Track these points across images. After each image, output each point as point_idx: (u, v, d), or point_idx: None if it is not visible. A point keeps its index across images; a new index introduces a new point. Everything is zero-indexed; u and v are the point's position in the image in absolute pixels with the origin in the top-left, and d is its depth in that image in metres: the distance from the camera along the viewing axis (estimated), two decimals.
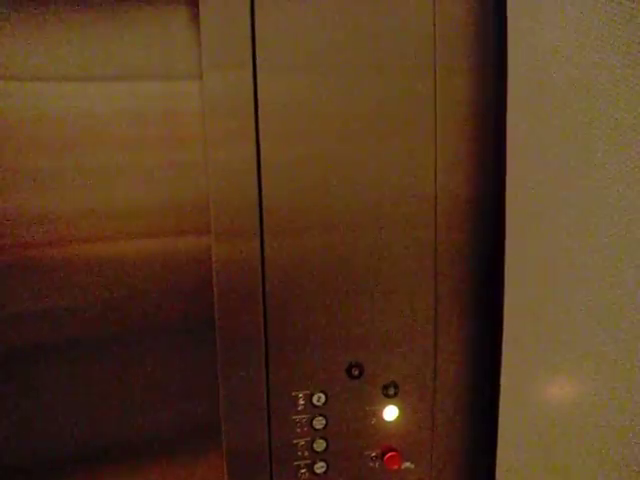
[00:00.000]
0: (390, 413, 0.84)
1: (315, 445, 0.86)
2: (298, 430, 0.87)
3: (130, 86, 1.08)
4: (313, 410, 0.86)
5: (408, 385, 0.93)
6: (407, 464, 0.89)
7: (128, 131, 1.04)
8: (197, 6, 1.02)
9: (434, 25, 1.04)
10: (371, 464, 0.88)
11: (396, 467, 0.87)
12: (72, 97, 1.02)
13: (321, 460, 0.87)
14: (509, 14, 0.96)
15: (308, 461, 0.88)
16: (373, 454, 0.88)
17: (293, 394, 0.88)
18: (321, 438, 0.86)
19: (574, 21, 0.76)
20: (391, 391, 0.87)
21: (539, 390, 0.86)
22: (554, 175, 0.83)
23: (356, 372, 0.87)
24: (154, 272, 0.99)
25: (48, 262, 0.95)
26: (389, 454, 0.87)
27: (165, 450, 0.92)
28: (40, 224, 0.94)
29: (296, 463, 0.88)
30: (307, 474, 0.88)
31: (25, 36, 1.01)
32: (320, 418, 0.85)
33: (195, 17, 1.05)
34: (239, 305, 0.98)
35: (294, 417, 0.87)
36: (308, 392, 0.87)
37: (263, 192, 1.00)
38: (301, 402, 0.86)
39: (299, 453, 0.87)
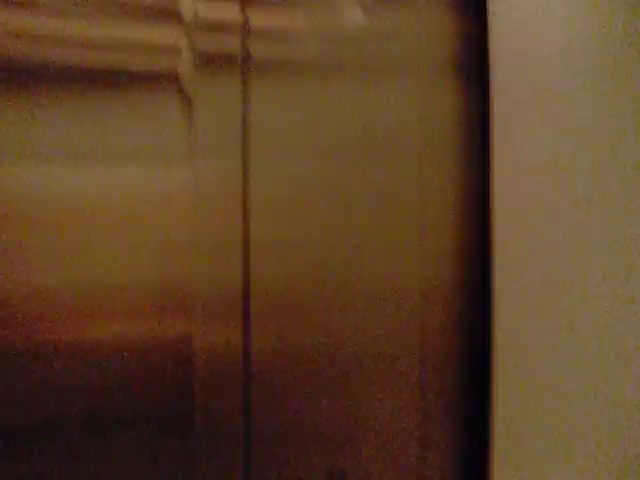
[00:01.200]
0: None
1: None
2: None
3: (121, 169, 1.03)
4: None
5: None
6: None
7: (116, 212, 1.01)
8: (190, 101, 0.98)
9: (419, 120, 1.06)
10: None
11: None
12: (65, 179, 1.01)
13: None
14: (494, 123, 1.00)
15: None
16: None
17: None
18: None
19: None
20: None
21: None
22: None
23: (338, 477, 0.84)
24: (132, 358, 0.95)
25: (22, 344, 0.92)
26: None
27: None
28: (21, 303, 0.93)
29: None
30: None
31: (17, 120, 1.00)
32: None
33: (189, 108, 0.99)
34: (219, 398, 0.95)
35: None
36: None
37: (250, 276, 0.98)
38: None
39: None
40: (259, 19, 1.06)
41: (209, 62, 1.04)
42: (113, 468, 0.89)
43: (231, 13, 1.05)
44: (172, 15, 1.07)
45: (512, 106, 1.02)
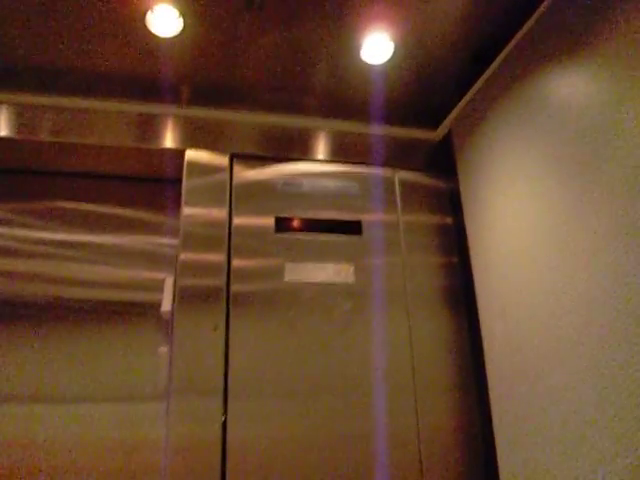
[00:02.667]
0: None
1: None
2: None
3: (97, 408, 1.12)
4: None
5: None
6: None
7: (91, 454, 1.07)
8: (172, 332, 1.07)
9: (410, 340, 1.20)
10: None
11: None
12: (33, 419, 1.07)
13: None
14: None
15: None
16: None
17: None
18: None
19: None
20: None
21: None
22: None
23: None
24: None
25: None
26: None
27: None
28: None
29: None
30: None
31: None
32: None
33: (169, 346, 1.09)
34: None
35: None
36: None
37: None
38: None
39: None
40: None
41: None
42: None
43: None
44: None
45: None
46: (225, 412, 1.03)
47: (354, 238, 1.26)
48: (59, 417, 1.07)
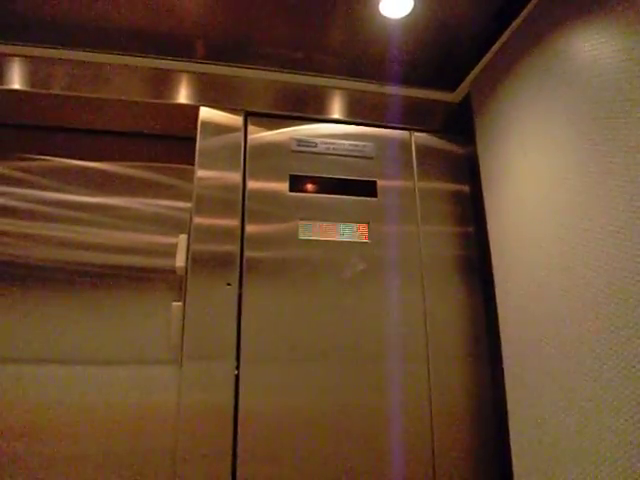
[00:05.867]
0: None
1: None
2: None
3: (110, 371, 1.12)
4: None
5: None
6: None
7: (103, 417, 1.08)
8: (185, 300, 1.06)
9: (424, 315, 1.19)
10: None
11: None
12: (48, 381, 1.07)
13: None
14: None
15: None
16: None
17: None
18: None
19: None
20: None
21: None
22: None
23: None
24: None
25: None
26: None
27: None
28: None
29: None
30: None
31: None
32: None
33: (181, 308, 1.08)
34: None
35: None
36: None
37: None
38: None
39: None
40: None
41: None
42: None
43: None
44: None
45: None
46: (237, 367, 1.03)
47: (369, 200, 1.24)
48: (72, 379, 1.08)
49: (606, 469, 0.77)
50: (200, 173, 1.15)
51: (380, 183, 1.26)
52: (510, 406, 1.07)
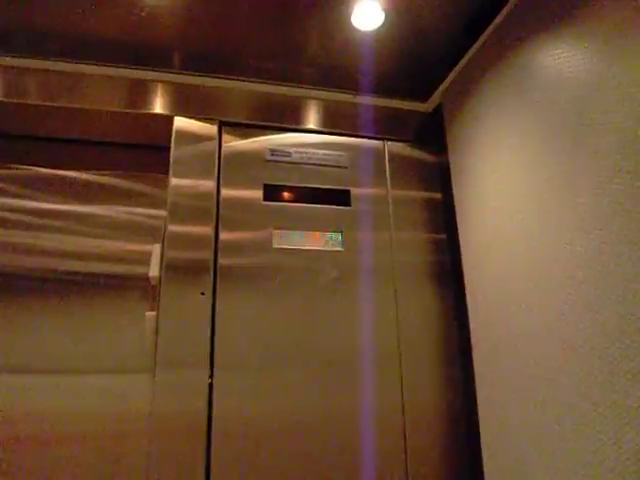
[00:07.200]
0: None
1: None
2: None
3: (82, 380, 1.11)
4: None
5: None
6: None
7: (74, 427, 1.07)
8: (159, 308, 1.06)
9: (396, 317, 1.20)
10: None
11: None
12: (17, 390, 1.07)
13: None
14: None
15: None
16: None
17: None
18: None
19: None
20: None
21: None
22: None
23: None
24: None
25: None
26: None
27: None
28: None
29: None
30: None
31: None
32: None
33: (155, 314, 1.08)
34: None
35: None
36: None
37: None
38: None
39: None
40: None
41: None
42: None
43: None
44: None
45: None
46: (211, 376, 1.04)
47: (343, 209, 1.26)
48: (46, 388, 1.07)
49: (580, 469, 0.80)
50: (174, 181, 1.15)
51: (354, 192, 1.28)
52: (480, 407, 1.10)
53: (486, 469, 1.06)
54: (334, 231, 1.24)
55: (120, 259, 1.25)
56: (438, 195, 1.35)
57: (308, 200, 1.25)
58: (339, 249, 1.22)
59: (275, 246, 1.19)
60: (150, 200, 1.32)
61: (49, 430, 1.03)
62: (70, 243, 1.23)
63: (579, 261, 0.83)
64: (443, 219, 1.33)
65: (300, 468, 1.03)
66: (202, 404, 1.01)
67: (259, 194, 1.21)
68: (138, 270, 1.23)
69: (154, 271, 1.11)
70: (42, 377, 1.09)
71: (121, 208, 1.30)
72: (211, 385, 1.02)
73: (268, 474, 1.01)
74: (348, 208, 1.27)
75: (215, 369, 1.04)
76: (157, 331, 1.03)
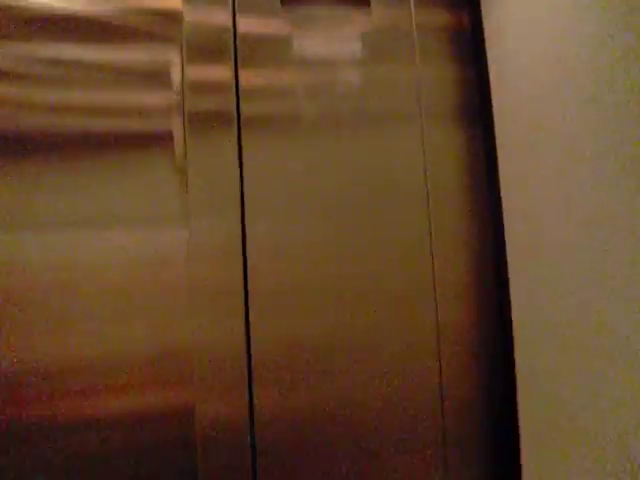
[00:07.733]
0: None
1: None
2: None
3: (119, 233, 1.05)
4: None
5: None
6: None
7: (116, 278, 1.03)
8: (185, 156, 0.98)
9: (424, 158, 1.11)
10: None
11: None
12: (60, 245, 1.03)
13: None
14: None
15: None
16: None
17: None
18: None
19: None
20: None
21: None
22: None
23: None
24: (136, 429, 0.94)
25: (34, 419, 0.93)
26: None
27: None
28: (31, 375, 0.94)
29: None
30: None
31: (18, 187, 1.01)
32: None
33: (183, 167, 1.00)
34: (224, 470, 0.94)
35: None
36: None
37: (251, 339, 0.98)
38: None
39: None
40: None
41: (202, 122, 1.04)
42: None
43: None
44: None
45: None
46: (243, 221, 1.05)
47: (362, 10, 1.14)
48: (78, 243, 1.08)
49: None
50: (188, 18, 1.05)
51: None
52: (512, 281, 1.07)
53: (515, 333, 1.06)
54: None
55: (139, 112, 1.18)
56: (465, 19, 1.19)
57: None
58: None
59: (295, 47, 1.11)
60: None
61: (81, 282, 1.05)
62: (82, 97, 1.15)
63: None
64: (471, 50, 1.18)
65: (328, 314, 1.07)
66: (237, 245, 1.02)
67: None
68: (157, 124, 1.16)
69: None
70: (72, 232, 1.08)
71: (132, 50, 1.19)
72: (244, 233, 1.03)
73: (305, 317, 1.06)
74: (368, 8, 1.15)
75: (246, 215, 1.04)
76: (187, 183, 1.02)
